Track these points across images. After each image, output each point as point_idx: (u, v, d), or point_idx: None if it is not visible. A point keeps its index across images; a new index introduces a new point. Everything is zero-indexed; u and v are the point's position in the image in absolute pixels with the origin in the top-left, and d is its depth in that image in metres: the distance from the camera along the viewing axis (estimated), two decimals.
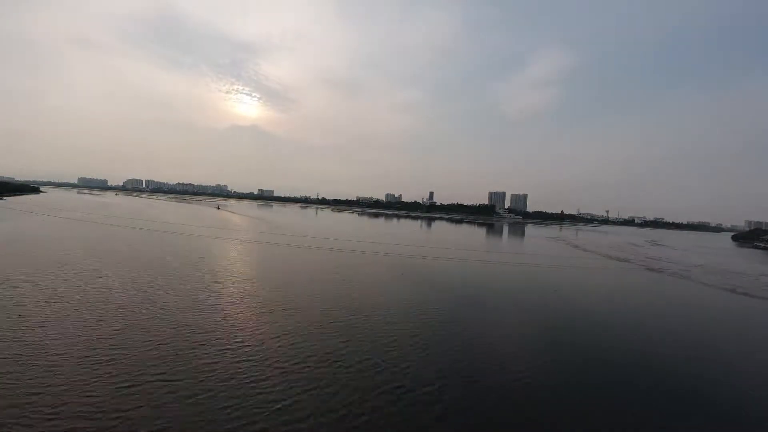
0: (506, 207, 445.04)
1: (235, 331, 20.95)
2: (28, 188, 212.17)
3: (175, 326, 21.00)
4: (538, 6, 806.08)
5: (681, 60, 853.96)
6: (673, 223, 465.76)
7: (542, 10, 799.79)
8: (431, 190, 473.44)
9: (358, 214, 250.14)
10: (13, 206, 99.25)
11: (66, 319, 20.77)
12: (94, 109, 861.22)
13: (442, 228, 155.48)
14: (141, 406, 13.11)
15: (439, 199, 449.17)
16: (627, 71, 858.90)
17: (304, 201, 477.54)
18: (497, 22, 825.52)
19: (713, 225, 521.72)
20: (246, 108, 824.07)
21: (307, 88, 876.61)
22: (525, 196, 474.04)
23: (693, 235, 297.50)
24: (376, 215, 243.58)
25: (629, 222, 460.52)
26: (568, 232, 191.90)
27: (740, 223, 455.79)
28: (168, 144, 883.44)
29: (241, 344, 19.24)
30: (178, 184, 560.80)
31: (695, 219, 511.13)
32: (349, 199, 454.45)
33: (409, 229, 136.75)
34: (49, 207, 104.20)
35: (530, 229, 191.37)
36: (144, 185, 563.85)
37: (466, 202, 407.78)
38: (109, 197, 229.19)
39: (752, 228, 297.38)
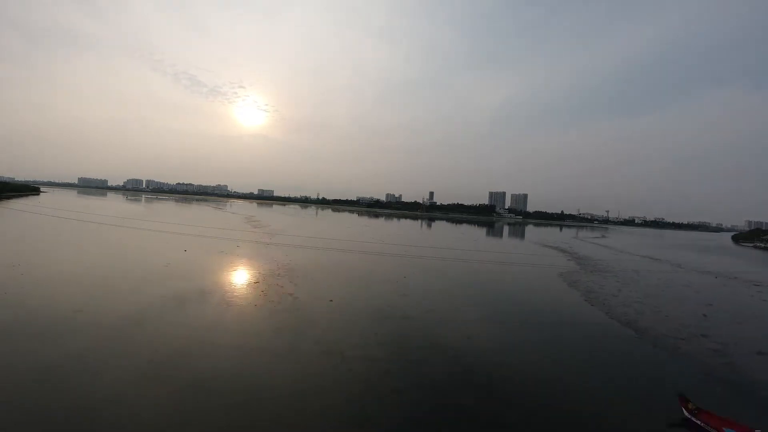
0: (506, 207, 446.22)
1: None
2: (28, 189, 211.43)
3: None
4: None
5: (681, 61, 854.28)
6: (673, 223, 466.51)
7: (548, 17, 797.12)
8: (431, 190, 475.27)
9: (359, 214, 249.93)
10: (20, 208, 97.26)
11: None
12: (99, 113, 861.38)
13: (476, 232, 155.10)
14: None
15: (439, 199, 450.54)
16: (627, 72, 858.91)
17: (305, 201, 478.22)
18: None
19: (713, 225, 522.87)
20: (248, 112, 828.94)
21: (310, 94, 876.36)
22: (525, 196, 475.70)
23: (708, 236, 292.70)
24: (377, 215, 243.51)
25: (629, 222, 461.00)
26: (569, 233, 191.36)
27: (740, 223, 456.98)
28: (170, 146, 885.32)
29: None
30: (179, 184, 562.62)
31: (695, 219, 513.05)
32: (349, 198, 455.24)
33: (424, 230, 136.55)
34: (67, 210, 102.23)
35: (530, 231, 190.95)
36: (144, 185, 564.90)
37: (466, 202, 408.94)
38: (114, 200, 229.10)
39: (752, 228, 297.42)
